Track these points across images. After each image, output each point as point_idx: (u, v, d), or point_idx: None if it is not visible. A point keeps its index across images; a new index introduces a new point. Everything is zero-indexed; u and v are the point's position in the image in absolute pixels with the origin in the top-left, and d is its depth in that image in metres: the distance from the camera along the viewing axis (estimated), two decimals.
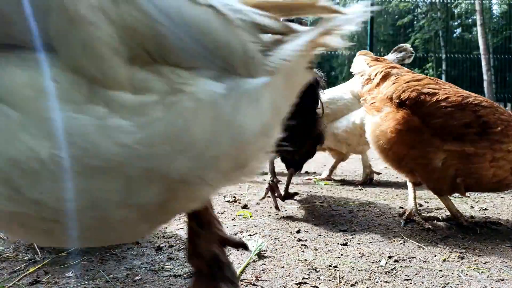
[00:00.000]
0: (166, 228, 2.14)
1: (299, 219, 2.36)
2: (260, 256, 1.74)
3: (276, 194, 2.57)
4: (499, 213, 2.49)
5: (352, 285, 1.47)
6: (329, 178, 3.76)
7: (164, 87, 0.67)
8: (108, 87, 0.64)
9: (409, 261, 1.70)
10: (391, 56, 3.44)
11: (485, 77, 14.12)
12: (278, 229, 2.15)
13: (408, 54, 3.47)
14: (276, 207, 2.54)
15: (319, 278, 1.52)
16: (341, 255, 1.77)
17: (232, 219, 2.33)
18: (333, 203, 2.79)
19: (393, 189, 3.33)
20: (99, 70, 0.63)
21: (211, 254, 1.05)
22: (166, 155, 0.67)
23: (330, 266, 1.64)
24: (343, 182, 3.68)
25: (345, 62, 23.41)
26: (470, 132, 2.00)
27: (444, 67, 17.97)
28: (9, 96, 0.61)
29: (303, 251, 1.81)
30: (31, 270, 1.55)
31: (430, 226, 2.13)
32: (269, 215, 2.44)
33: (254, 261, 1.68)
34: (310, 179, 3.79)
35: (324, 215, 2.46)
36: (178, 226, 2.18)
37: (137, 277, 1.51)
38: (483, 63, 14.19)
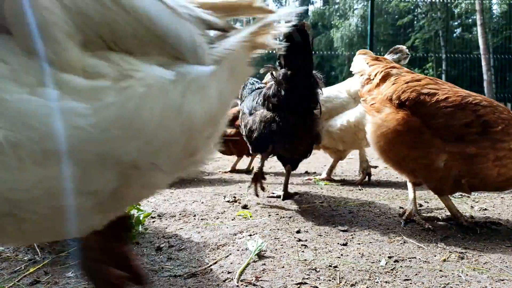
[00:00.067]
0: (166, 228, 2.14)
1: (299, 219, 2.35)
2: (260, 256, 1.74)
3: (258, 183, 2.76)
4: (499, 213, 2.49)
5: (352, 285, 1.47)
6: (328, 178, 3.77)
7: (114, 73, 0.70)
8: (61, 69, 0.65)
9: (409, 261, 1.70)
10: (387, 58, 3.44)
11: (485, 77, 14.10)
12: (278, 229, 2.15)
13: (404, 55, 3.48)
14: (256, 195, 2.76)
15: (319, 278, 1.52)
16: (341, 255, 1.77)
17: (232, 219, 2.33)
18: (333, 203, 2.79)
19: (393, 189, 3.33)
20: (53, 52, 0.65)
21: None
22: (119, 140, 0.69)
23: (330, 266, 1.64)
24: (343, 182, 3.68)
25: (345, 62, 23.41)
26: (471, 132, 2.00)
27: (444, 67, 17.95)
28: None
29: (303, 251, 1.81)
30: (31, 270, 1.55)
31: (430, 226, 2.13)
32: (269, 215, 2.44)
33: (254, 261, 1.68)
34: (310, 179, 3.79)
35: (324, 215, 2.46)
36: (178, 227, 2.18)
37: None
38: (483, 63, 14.17)
